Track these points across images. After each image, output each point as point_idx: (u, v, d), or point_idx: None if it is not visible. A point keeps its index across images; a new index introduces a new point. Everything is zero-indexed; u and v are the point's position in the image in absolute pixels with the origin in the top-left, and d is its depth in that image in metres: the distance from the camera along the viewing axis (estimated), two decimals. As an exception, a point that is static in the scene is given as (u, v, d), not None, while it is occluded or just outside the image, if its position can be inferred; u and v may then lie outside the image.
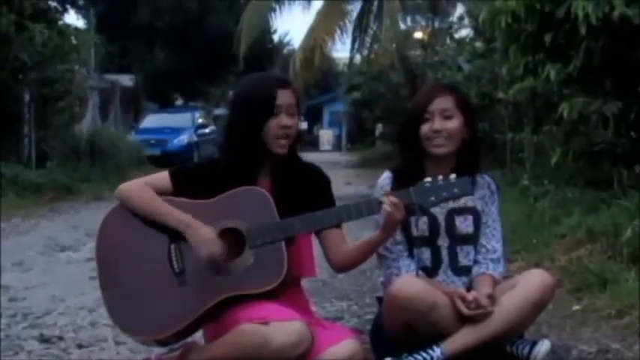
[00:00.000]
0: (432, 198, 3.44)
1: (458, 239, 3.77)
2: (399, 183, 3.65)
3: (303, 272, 3.71)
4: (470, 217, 3.78)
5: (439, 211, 3.72)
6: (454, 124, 3.72)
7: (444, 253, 3.76)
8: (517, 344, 3.62)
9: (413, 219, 3.66)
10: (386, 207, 3.40)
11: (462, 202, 3.71)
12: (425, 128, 3.72)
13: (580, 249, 6.12)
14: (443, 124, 3.70)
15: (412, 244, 3.75)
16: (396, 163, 3.95)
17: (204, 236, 3.50)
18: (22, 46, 15.62)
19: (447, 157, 3.75)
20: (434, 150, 3.73)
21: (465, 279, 3.75)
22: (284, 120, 3.58)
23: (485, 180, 3.85)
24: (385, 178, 3.83)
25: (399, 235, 3.73)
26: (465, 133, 3.76)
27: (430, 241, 3.75)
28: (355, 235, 3.87)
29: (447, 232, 3.76)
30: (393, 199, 3.41)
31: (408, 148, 3.82)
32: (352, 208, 3.52)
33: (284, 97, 3.59)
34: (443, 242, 3.76)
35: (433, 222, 3.74)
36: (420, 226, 3.71)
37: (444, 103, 3.73)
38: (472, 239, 3.79)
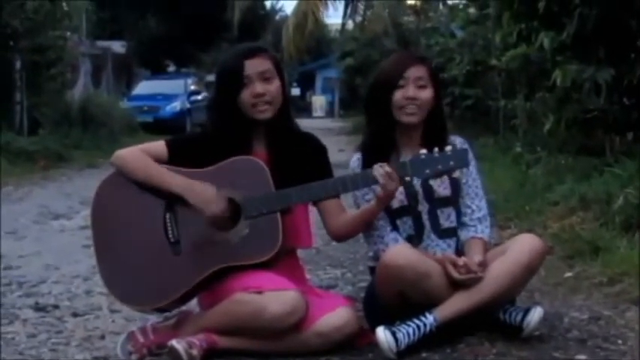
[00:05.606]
0: (428, 171, 3.45)
1: (437, 202, 3.76)
2: (370, 160, 3.62)
3: (299, 243, 3.73)
4: (446, 180, 3.74)
5: (415, 178, 3.70)
6: (428, 93, 3.72)
7: (425, 217, 3.75)
8: (510, 311, 3.64)
9: None
10: (379, 178, 3.42)
11: None
12: (398, 95, 3.69)
13: (572, 216, 6.13)
14: (417, 92, 3.69)
15: (393, 216, 3.75)
16: (362, 139, 3.91)
17: (207, 195, 3.51)
18: (13, 13, 15.53)
19: (416, 127, 3.76)
20: (405, 118, 3.71)
21: (449, 241, 3.76)
22: (256, 88, 3.59)
23: (456, 142, 3.79)
24: (355, 160, 3.81)
25: None
26: (433, 104, 3.76)
27: (410, 209, 3.74)
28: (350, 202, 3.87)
29: (426, 197, 3.75)
30: (387, 169, 3.42)
31: (377, 117, 3.78)
32: (348, 179, 3.54)
33: (252, 66, 3.60)
34: (422, 207, 3.75)
35: (410, 190, 3.73)
36: (398, 197, 3.68)
37: (418, 71, 3.73)
38: (451, 201, 3.78)
